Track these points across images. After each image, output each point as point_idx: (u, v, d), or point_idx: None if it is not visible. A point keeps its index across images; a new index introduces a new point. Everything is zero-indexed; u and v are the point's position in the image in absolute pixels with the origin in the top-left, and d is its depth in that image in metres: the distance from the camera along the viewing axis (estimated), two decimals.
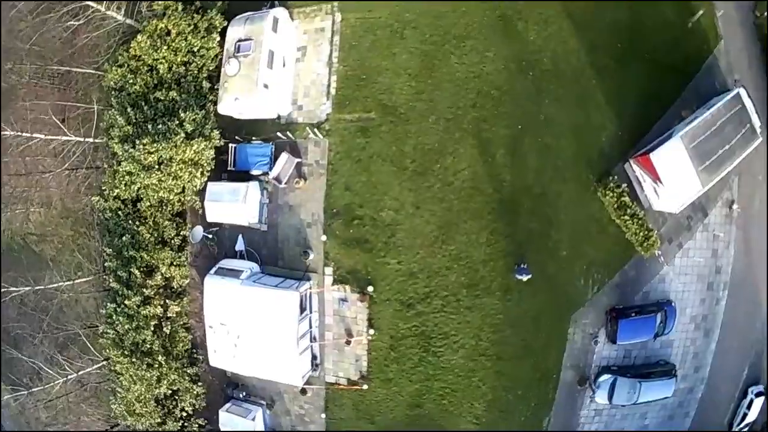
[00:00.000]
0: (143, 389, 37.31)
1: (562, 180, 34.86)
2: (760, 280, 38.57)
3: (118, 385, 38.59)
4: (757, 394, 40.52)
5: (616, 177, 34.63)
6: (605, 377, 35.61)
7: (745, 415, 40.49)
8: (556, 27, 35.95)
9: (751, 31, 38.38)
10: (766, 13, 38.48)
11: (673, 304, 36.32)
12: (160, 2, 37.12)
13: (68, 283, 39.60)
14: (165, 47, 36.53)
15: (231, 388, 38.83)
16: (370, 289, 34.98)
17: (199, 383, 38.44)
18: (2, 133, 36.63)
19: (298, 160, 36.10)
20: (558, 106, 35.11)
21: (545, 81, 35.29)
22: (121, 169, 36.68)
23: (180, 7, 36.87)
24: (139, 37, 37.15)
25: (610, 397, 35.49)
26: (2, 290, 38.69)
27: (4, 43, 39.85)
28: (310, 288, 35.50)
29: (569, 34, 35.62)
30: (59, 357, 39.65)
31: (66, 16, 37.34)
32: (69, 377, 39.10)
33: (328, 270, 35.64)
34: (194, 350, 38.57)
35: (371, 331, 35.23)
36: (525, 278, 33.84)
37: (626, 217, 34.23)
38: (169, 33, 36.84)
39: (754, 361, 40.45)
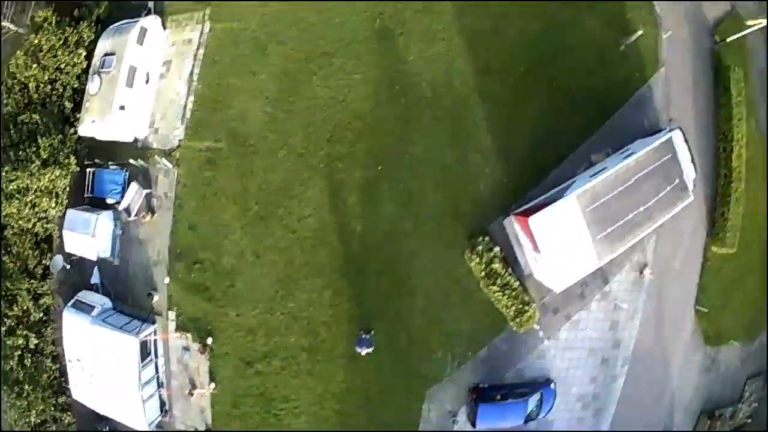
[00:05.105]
0: (17, 416, 36.04)
1: (423, 235, 29.77)
2: (671, 355, 31.87)
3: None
4: None
5: (487, 238, 28.61)
6: None
7: None
8: (445, 45, 30.44)
9: (703, 59, 31.08)
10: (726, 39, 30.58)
11: (552, 385, 30.94)
12: (41, 13, 34.43)
13: None
14: (35, 65, 33.99)
15: (98, 422, 36.78)
16: (210, 340, 31.71)
17: (69, 412, 36.50)
18: None
19: (148, 191, 32.80)
20: (429, 143, 29.99)
21: (418, 111, 30.07)
22: None
23: (54, 21, 34.08)
24: (18, 53, 34.63)
25: None
26: None
27: None
28: (154, 332, 32.54)
29: (459, 53, 29.99)
30: None
31: None
32: None
33: (172, 314, 32.58)
34: (63, 379, 36.51)
35: (212, 385, 32.09)
36: (364, 352, 29.38)
37: (495, 287, 28.52)
38: (41, 49, 34.20)
39: None
